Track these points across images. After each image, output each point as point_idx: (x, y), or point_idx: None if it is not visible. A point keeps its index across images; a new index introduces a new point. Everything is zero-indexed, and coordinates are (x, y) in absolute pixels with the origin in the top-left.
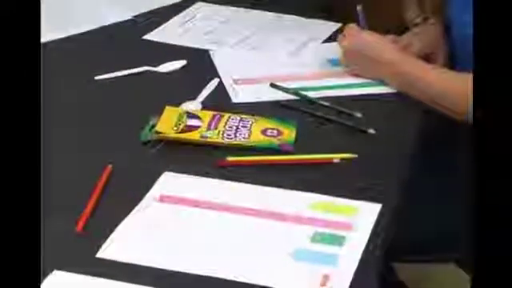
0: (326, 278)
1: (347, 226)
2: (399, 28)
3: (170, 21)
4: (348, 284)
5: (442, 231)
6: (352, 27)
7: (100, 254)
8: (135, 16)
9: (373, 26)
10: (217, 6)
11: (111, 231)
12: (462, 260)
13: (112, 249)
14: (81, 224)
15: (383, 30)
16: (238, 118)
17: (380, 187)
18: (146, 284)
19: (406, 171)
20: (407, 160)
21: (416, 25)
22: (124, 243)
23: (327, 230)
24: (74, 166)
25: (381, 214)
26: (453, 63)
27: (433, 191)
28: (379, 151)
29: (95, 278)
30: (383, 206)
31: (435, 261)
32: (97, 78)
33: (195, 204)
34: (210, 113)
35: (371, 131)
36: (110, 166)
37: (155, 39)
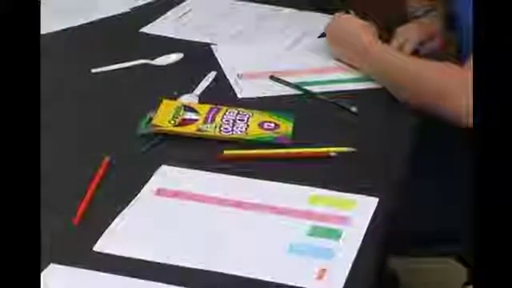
0: (322, 271)
1: (344, 220)
2: (400, 19)
3: (167, 13)
4: (345, 278)
5: (440, 225)
6: (340, 14)
7: (97, 248)
8: (132, 9)
9: (375, 15)
10: None
11: (108, 225)
12: (460, 254)
13: (109, 242)
14: (78, 217)
15: (384, 22)
16: (236, 112)
17: (378, 181)
18: (144, 277)
19: (404, 165)
20: (405, 154)
21: (417, 17)
22: (121, 237)
23: (324, 224)
24: (71, 159)
25: (378, 208)
26: (460, 55)
27: (432, 186)
28: (377, 145)
29: (92, 271)
30: (381, 200)
31: (433, 255)
32: (94, 70)
33: (192, 197)
34: (208, 106)
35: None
36: (107, 160)
37: (152, 32)
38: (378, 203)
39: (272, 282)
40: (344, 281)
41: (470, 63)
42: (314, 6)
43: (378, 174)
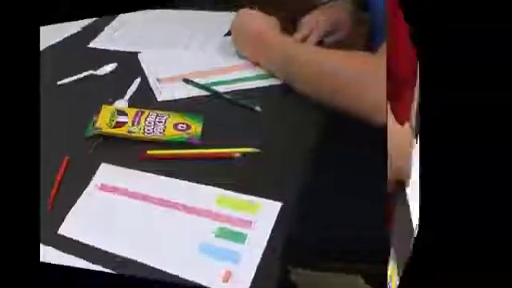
0: (228, 274)
1: (248, 224)
2: (306, 8)
3: (108, 27)
4: (249, 282)
5: (346, 236)
6: (244, 10)
7: (60, 231)
8: (83, 28)
9: (279, 6)
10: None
11: (67, 212)
12: (365, 271)
13: (67, 228)
14: (49, 201)
15: (289, 13)
16: (155, 114)
17: (281, 184)
18: (89, 260)
19: (308, 165)
20: (309, 156)
21: (324, 3)
22: (74, 223)
23: (229, 226)
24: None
25: (281, 213)
26: (372, 41)
27: (337, 188)
28: (280, 145)
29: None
30: (284, 205)
31: (335, 270)
32: (59, 83)
33: (123, 193)
34: (134, 110)
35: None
36: (66, 158)
37: (97, 46)
38: (281, 208)
39: (181, 279)
40: (249, 285)
41: (383, 48)
42: (217, 4)
43: (281, 176)
